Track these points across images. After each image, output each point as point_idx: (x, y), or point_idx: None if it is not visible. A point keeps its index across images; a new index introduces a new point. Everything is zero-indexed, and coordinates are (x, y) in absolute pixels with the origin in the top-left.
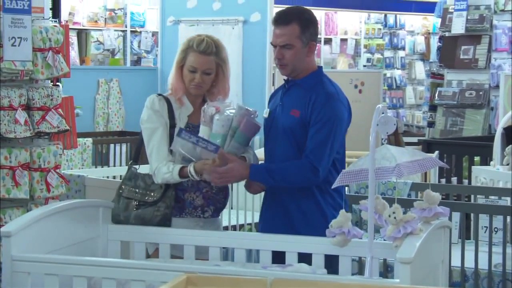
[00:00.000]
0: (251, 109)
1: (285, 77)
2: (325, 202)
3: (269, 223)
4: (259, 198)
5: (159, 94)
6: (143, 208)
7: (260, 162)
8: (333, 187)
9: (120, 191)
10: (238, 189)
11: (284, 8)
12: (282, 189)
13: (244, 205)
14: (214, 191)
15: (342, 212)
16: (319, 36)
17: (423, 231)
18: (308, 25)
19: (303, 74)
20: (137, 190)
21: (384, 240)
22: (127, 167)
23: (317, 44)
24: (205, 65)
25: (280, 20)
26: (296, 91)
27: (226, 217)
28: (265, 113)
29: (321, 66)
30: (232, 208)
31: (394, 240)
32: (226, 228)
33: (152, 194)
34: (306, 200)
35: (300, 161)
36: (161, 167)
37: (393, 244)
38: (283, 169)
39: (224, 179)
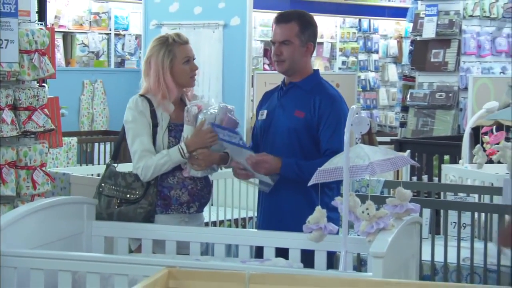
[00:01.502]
0: (230, 106)
1: (282, 80)
2: (321, 201)
3: (265, 221)
4: (238, 195)
5: (141, 95)
6: (126, 205)
7: None
8: (309, 184)
9: (100, 189)
10: (218, 186)
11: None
12: (279, 188)
13: (224, 202)
14: (199, 187)
15: (318, 208)
16: None
17: (395, 227)
18: (308, 26)
19: (301, 75)
20: (118, 188)
21: (358, 235)
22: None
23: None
24: (193, 52)
25: (281, 18)
26: (296, 93)
27: (207, 213)
28: (261, 114)
29: (318, 69)
30: (212, 205)
31: (367, 235)
32: (206, 224)
33: (134, 192)
34: (301, 198)
35: (323, 158)
36: (150, 161)
37: (366, 239)
38: (312, 165)
39: (257, 167)
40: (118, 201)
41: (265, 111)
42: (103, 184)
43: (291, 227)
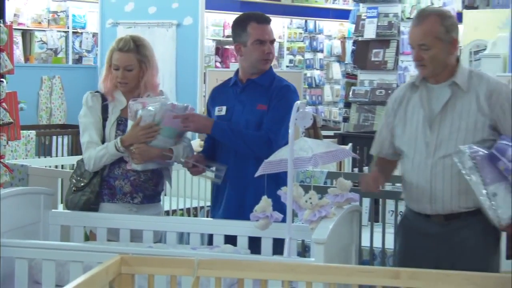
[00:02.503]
0: (181, 104)
1: (233, 76)
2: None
3: (223, 210)
4: (190, 186)
5: (96, 91)
6: (76, 192)
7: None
8: (256, 175)
9: (70, 178)
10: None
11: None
12: (234, 179)
13: (177, 192)
14: (142, 179)
15: (264, 198)
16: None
17: (336, 215)
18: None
19: (258, 73)
20: (74, 176)
21: (302, 223)
22: (68, 157)
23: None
24: (125, 61)
25: (265, 19)
26: (255, 89)
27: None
28: (219, 110)
29: (271, 66)
30: (165, 195)
31: (310, 223)
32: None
33: (83, 180)
34: (263, 191)
35: (259, 132)
36: (92, 152)
37: (309, 226)
38: (244, 132)
39: (188, 122)
40: (74, 189)
41: (224, 107)
42: (72, 174)
43: (245, 214)
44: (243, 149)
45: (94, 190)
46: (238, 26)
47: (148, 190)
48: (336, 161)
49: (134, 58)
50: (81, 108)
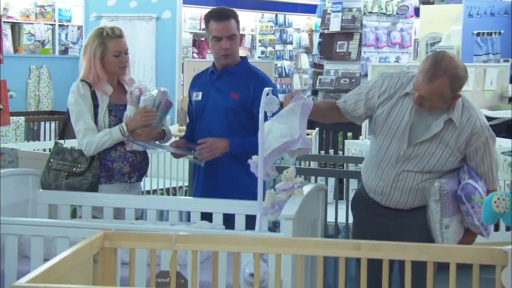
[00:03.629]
0: (166, 90)
1: (211, 65)
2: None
3: (203, 189)
4: (169, 167)
5: (82, 80)
6: (72, 177)
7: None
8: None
9: (50, 164)
10: (152, 159)
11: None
12: (216, 162)
13: (157, 173)
14: (139, 160)
15: (268, 192)
16: None
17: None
18: (238, 20)
19: (226, 66)
20: (65, 162)
21: (263, 214)
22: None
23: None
24: (124, 46)
25: (221, 16)
26: (229, 77)
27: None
28: (196, 96)
29: (246, 56)
30: (147, 176)
31: (268, 214)
32: (141, 193)
33: (79, 165)
34: (237, 167)
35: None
36: (92, 138)
37: (268, 218)
38: (249, 140)
39: (211, 152)
40: (66, 174)
41: (200, 93)
42: (51, 160)
43: (228, 194)
44: (255, 151)
45: (95, 173)
46: (204, 23)
47: (143, 170)
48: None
49: (126, 43)
50: (67, 96)
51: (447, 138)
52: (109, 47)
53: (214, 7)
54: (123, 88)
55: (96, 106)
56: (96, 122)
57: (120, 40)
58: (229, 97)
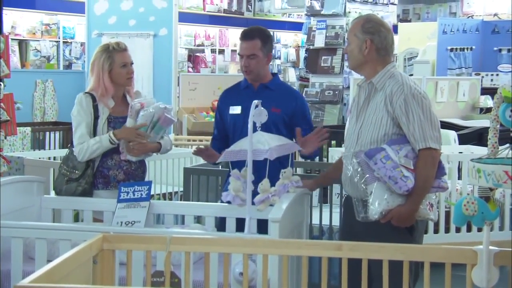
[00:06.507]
0: (168, 106)
1: (242, 80)
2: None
3: None
4: (166, 173)
5: (86, 92)
6: (70, 183)
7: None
8: (217, 161)
9: (59, 168)
10: (149, 166)
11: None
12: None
13: (154, 179)
14: (133, 168)
15: (265, 180)
16: (214, 47)
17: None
18: (267, 40)
19: (268, 78)
20: (67, 168)
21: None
22: (60, 150)
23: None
24: (130, 58)
25: (246, 36)
26: (269, 93)
27: None
28: (235, 110)
29: (277, 73)
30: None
31: (258, 203)
32: None
33: (76, 172)
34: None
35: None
36: (85, 145)
37: (257, 207)
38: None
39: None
40: (67, 179)
41: (239, 107)
42: (62, 165)
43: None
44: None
45: (88, 181)
46: None
47: (138, 177)
48: (287, 153)
49: (131, 56)
50: (71, 108)
51: (375, 103)
52: (116, 60)
53: (247, 27)
54: (127, 102)
55: (96, 117)
56: (95, 132)
57: (125, 52)
58: (271, 111)
